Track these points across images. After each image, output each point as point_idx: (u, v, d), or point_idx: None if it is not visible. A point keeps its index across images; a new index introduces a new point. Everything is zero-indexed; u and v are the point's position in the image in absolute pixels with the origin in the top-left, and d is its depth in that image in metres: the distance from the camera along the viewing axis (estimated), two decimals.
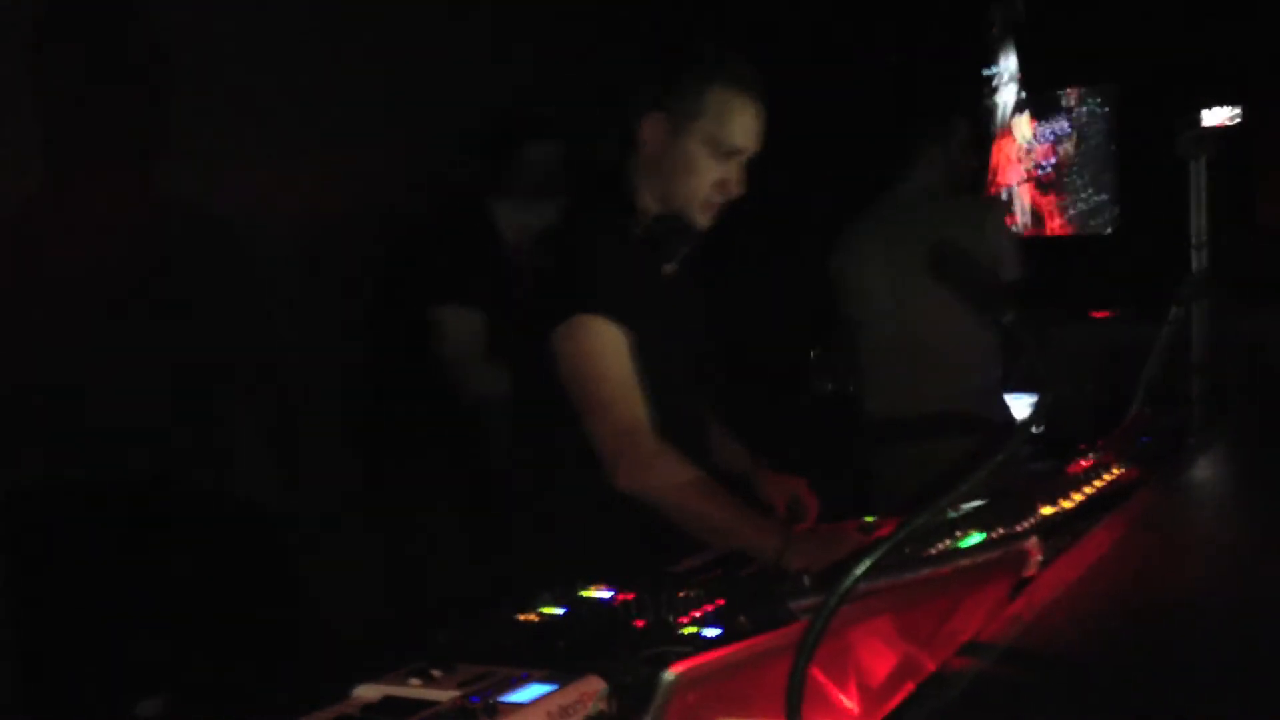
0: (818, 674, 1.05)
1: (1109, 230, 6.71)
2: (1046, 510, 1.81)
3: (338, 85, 3.33)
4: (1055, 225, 6.90)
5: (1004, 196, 6.78)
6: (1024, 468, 2.31)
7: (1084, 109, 6.76)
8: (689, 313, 2.24)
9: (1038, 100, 6.86)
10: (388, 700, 1.08)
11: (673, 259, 2.16)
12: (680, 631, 1.31)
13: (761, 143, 2.11)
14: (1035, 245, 6.26)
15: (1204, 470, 2.37)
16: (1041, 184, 6.93)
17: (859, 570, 0.94)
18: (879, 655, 1.15)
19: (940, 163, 3.32)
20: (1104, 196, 6.71)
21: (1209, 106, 4.48)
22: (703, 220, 2.12)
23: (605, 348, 2.00)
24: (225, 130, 3.02)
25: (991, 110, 6.89)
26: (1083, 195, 6.79)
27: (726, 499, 1.95)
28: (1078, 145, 6.78)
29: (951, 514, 1.79)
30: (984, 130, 6.48)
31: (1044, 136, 6.88)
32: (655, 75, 2.12)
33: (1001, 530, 1.66)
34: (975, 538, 1.63)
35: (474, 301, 3.02)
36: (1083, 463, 2.18)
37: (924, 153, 3.33)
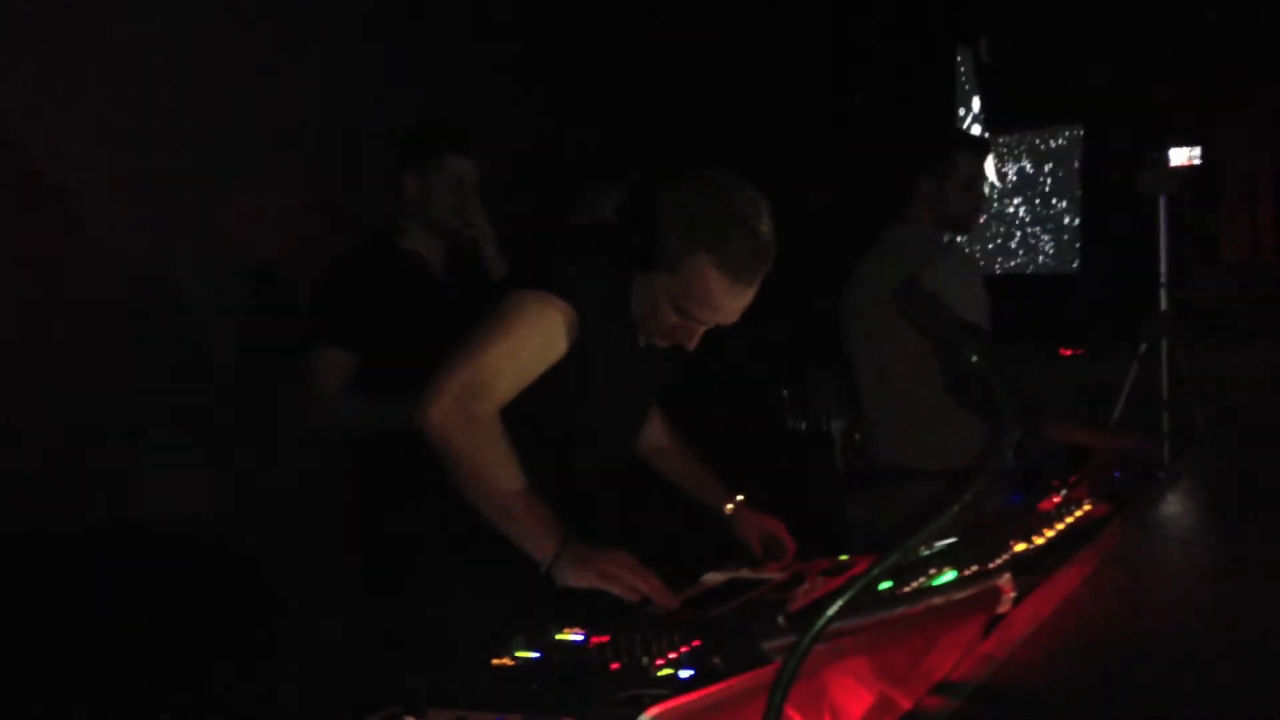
0: (793, 715, 1.05)
1: (1074, 267, 6.78)
2: (1019, 547, 1.82)
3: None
4: (1021, 263, 6.97)
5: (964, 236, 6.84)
6: (995, 505, 2.31)
7: (1047, 148, 6.84)
8: (652, 374, 2.15)
9: (1001, 140, 6.94)
10: None
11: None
12: (656, 673, 1.31)
13: (737, 317, 1.90)
14: (1001, 283, 6.32)
15: (1173, 505, 2.39)
16: (1007, 222, 7.00)
17: (832, 610, 0.94)
18: (854, 695, 1.15)
19: (937, 200, 3.30)
20: (1069, 235, 6.79)
21: (1171, 146, 4.55)
22: (661, 343, 2.00)
23: (534, 319, 1.86)
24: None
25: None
26: (1048, 233, 6.86)
27: (521, 489, 1.80)
28: (1041, 184, 6.86)
29: (924, 552, 1.79)
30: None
31: (1008, 176, 6.96)
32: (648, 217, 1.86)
33: (974, 568, 1.67)
34: (948, 575, 1.64)
35: (352, 345, 2.78)
36: (1054, 499, 2.20)
37: (922, 189, 3.29)
